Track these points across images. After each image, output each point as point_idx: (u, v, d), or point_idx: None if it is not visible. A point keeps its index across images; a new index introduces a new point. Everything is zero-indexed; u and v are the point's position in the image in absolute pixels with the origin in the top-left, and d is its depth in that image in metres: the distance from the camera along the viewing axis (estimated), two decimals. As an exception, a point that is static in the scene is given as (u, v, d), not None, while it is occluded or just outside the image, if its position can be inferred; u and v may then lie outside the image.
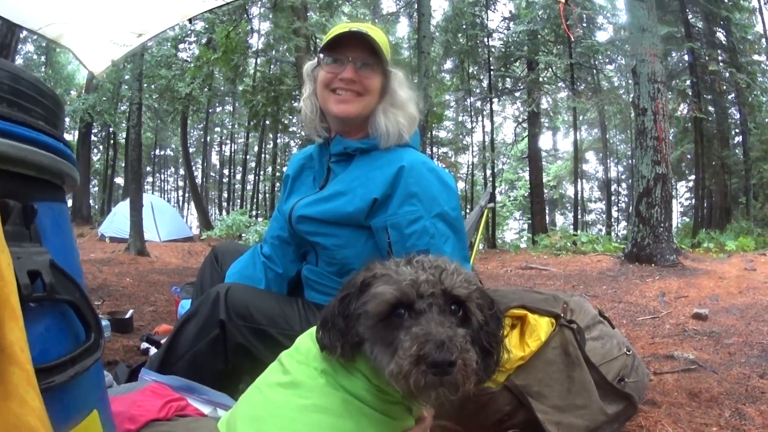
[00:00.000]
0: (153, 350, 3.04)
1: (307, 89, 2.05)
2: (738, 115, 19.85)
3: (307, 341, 1.35)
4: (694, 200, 22.99)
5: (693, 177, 22.90)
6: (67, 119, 24.93)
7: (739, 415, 2.34)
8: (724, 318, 4.53)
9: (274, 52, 16.54)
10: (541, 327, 1.93)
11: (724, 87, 19.55)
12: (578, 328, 2.00)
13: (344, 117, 1.93)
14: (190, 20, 4.96)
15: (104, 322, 3.49)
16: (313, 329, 1.34)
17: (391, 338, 1.10)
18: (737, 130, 20.23)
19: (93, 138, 28.28)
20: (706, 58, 18.92)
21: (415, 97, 2.01)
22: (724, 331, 4.08)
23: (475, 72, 25.28)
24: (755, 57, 19.38)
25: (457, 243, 1.82)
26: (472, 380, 1.05)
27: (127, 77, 20.76)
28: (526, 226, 26.35)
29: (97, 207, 31.23)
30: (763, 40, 18.82)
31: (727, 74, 19.13)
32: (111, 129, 27.78)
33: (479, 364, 1.09)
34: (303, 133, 20.65)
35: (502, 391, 1.85)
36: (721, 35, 19.27)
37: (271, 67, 18.20)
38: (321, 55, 1.97)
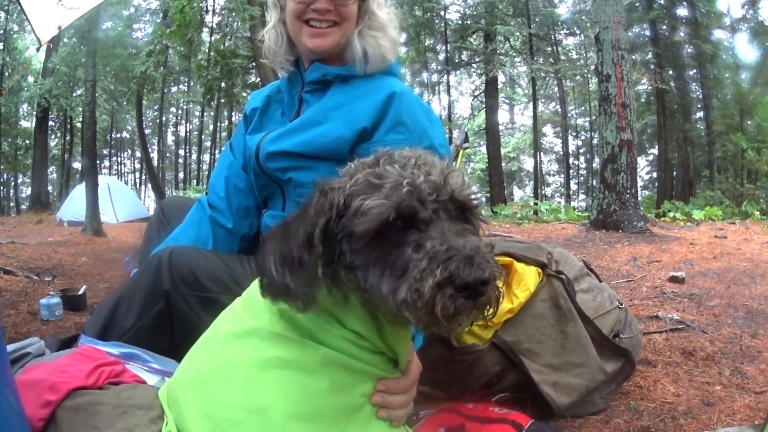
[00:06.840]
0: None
1: (272, 17, 1.81)
2: (700, 90, 20.05)
3: None
4: (656, 173, 23.27)
5: (653, 151, 23.19)
6: (24, 105, 24.45)
7: (740, 374, 2.24)
8: (701, 281, 4.45)
9: (227, 28, 16.26)
10: (529, 276, 1.71)
11: (686, 61, 19.69)
12: (567, 280, 1.80)
13: (320, 51, 1.70)
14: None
15: (55, 300, 3.42)
16: None
17: (393, 258, 0.85)
18: (699, 105, 20.45)
19: (50, 123, 27.66)
20: (668, 31, 18.99)
21: (395, 19, 1.79)
22: (705, 293, 4.00)
23: (431, 44, 25.32)
24: (717, 34, 19.51)
25: None
26: (501, 298, 0.89)
27: (83, 60, 20.31)
28: (483, 199, 26.53)
29: (55, 193, 30.43)
30: (725, 17, 18.97)
31: (690, 49, 19.27)
32: (67, 112, 27.15)
33: None
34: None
35: (489, 349, 1.63)
36: (683, 10, 19.35)
37: (225, 42, 17.88)
38: None
